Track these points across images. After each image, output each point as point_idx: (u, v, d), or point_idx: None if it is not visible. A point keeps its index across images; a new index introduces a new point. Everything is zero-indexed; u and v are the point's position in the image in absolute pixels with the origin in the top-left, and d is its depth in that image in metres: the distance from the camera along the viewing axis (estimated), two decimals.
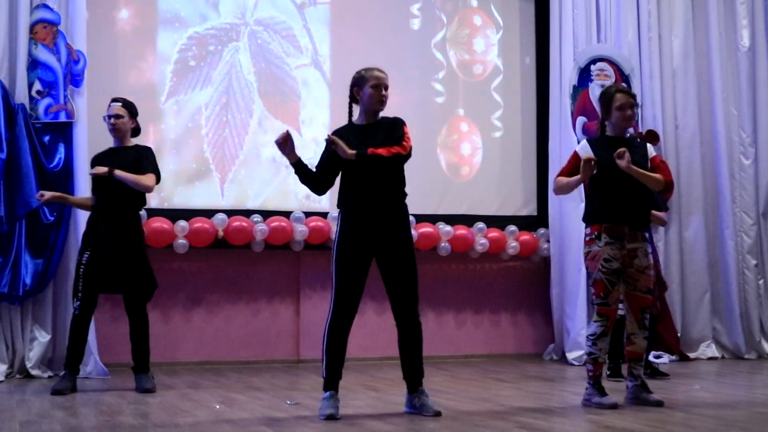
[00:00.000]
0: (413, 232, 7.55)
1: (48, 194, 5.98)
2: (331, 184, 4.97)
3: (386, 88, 4.83)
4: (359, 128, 4.87)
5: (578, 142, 7.86)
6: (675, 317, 8.14)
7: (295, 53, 7.85)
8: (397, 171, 4.83)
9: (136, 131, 6.01)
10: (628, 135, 5.33)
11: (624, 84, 8.01)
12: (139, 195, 5.86)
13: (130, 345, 5.85)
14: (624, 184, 5.05)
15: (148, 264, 5.87)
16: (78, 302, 5.72)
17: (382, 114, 4.92)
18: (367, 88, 4.81)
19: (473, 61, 8.46)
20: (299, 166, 4.88)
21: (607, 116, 5.19)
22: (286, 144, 4.82)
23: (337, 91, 7.84)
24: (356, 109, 4.95)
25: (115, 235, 5.73)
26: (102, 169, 5.71)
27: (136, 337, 5.84)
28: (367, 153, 4.68)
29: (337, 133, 4.87)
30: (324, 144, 4.86)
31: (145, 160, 5.83)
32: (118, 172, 5.69)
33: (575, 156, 5.23)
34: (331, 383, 4.77)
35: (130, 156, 5.84)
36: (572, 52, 8.17)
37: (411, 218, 7.49)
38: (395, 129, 4.83)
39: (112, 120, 5.87)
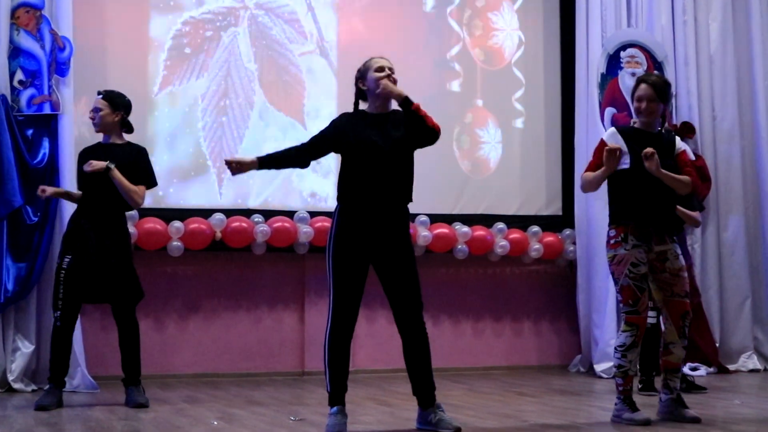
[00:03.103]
0: (427, 233, 7.57)
1: (50, 189, 6.00)
2: (316, 158, 4.98)
3: (392, 71, 4.86)
4: (372, 116, 4.86)
5: None
6: (713, 326, 8.11)
7: (299, 39, 7.85)
8: (408, 168, 4.83)
9: (126, 126, 6.02)
10: (662, 130, 5.30)
11: (656, 72, 8.01)
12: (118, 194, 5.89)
13: (120, 355, 5.86)
14: (651, 181, 5.05)
15: (134, 271, 5.88)
16: (59, 312, 5.72)
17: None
18: (370, 74, 4.84)
19: (492, 47, 8.44)
20: (264, 163, 4.90)
21: (632, 104, 5.26)
22: (238, 170, 4.88)
23: (344, 81, 7.82)
24: (362, 106, 4.96)
25: (101, 238, 5.74)
26: (100, 164, 5.70)
27: (125, 346, 5.85)
28: (412, 103, 4.73)
29: (347, 117, 4.90)
30: (327, 125, 4.91)
31: (139, 167, 5.87)
32: (117, 173, 5.71)
33: (602, 145, 5.22)
34: (337, 397, 4.76)
35: (123, 155, 5.85)
36: (600, 37, 8.15)
37: (425, 218, 7.58)
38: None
39: (90, 114, 5.95)
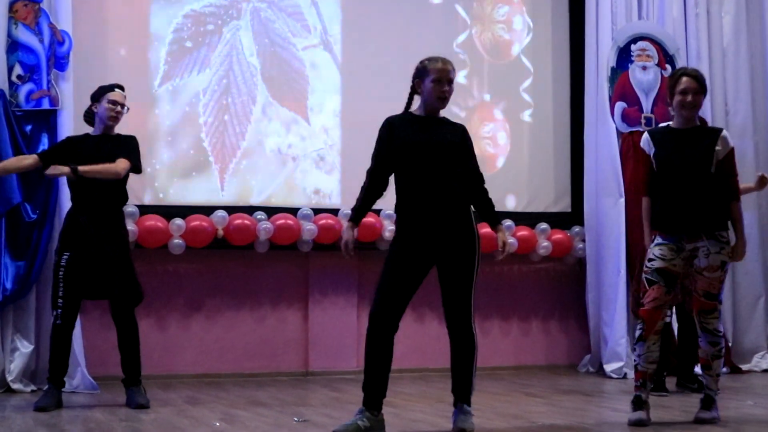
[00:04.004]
0: None
1: None
2: (389, 170, 4.91)
3: (450, 82, 4.83)
4: (419, 119, 4.86)
5: (617, 130, 7.91)
6: (725, 325, 8.09)
7: (303, 33, 7.84)
8: (456, 169, 4.82)
9: None
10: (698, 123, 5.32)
11: (668, 66, 8.03)
12: (121, 188, 5.89)
13: (120, 355, 5.87)
14: (681, 187, 5.11)
15: (133, 270, 5.88)
16: (59, 310, 5.73)
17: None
18: (428, 82, 4.82)
19: (500, 40, 8.43)
20: (359, 219, 4.94)
21: (670, 100, 5.27)
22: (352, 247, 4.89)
23: (348, 75, 7.84)
24: (416, 101, 4.96)
25: (100, 234, 5.75)
26: (63, 169, 5.67)
27: (124, 346, 5.86)
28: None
29: (392, 120, 4.89)
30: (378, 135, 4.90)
31: (123, 147, 5.86)
32: (83, 168, 5.67)
33: (644, 155, 5.29)
34: (366, 399, 4.71)
35: (114, 146, 5.88)
36: (610, 30, 8.14)
37: None
38: (464, 145, 4.88)
39: (118, 108, 5.92)
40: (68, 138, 6.10)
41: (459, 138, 4.86)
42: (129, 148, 5.89)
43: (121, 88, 6.01)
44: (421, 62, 4.89)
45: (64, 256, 5.77)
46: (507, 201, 8.29)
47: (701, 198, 5.09)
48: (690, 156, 5.11)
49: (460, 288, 4.77)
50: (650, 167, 5.24)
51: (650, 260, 5.13)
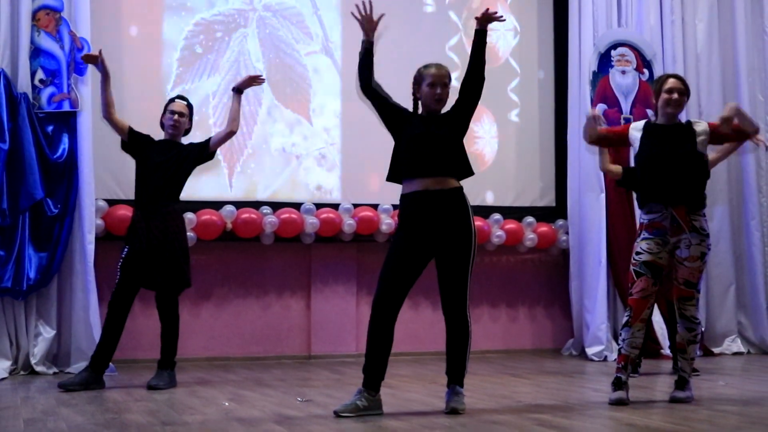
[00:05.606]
0: None
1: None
2: (374, 93, 4.91)
3: (444, 86, 4.87)
4: (421, 117, 4.92)
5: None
6: (699, 311, 8.11)
7: (305, 40, 7.85)
8: (453, 153, 4.84)
9: (187, 131, 6.12)
10: (684, 121, 5.33)
11: (645, 70, 8.04)
12: (178, 185, 5.96)
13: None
14: (661, 169, 5.11)
15: (180, 262, 5.88)
16: (111, 299, 5.80)
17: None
18: (424, 86, 4.87)
19: (489, 46, 8.38)
20: (369, 51, 4.94)
21: (656, 100, 5.29)
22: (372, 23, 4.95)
23: (348, 79, 7.83)
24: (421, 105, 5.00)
25: (153, 230, 5.78)
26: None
27: (162, 332, 5.94)
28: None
29: (409, 112, 4.95)
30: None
31: (187, 149, 5.99)
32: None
33: (623, 130, 5.43)
34: (366, 380, 4.70)
35: (178, 151, 5.94)
36: (592, 36, 8.15)
37: None
38: (455, 112, 4.95)
39: (176, 116, 5.95)
40: (149, 136, 6.05)
41: (451, 118, 4.88)
42: (192, 145, 6.04)
43: (183, 98, 6.06)
44: (418, 70, 4.93)
45: (125, 249, 5.84)
46: (496, 196, 8.30)
47: (683, 175, 5.10)
48: (673, 147, 5.12)
49: (457, 278, 4.77)
50: (619, 133, 5.40)
51: (638, 254, 5.13)
